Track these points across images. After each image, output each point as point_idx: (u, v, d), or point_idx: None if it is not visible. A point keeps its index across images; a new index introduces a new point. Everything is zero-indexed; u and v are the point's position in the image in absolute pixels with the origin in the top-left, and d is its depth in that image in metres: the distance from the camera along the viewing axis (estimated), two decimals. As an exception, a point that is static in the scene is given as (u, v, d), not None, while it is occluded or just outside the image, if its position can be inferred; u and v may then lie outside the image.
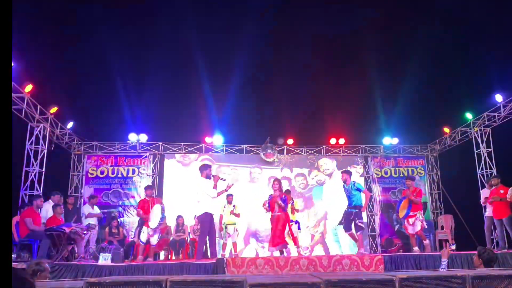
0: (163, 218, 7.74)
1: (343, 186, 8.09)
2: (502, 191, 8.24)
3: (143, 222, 8.07)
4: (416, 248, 8.10)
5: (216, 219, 8.25)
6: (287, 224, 7.99)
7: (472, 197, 9.82)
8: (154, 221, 7.65)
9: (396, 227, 12.55)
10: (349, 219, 7.85)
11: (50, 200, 8.45)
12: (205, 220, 7.31)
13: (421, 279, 3.15)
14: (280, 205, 7.71)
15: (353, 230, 7.83)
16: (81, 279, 5.18)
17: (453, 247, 7.54)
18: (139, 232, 8.14)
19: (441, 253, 5.40)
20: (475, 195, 9.56)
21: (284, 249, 7.72)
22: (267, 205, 8.02)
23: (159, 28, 10.93)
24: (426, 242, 8.14)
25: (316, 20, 10.86)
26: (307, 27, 11.19)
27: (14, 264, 5.49)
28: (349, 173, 8.18)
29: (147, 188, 8.86)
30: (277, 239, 7.66)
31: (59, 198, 8.66)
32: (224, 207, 9.62)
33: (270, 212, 7.94)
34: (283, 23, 11.43)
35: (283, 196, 7.94)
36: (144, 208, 8.13)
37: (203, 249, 7.64)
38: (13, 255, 6.79)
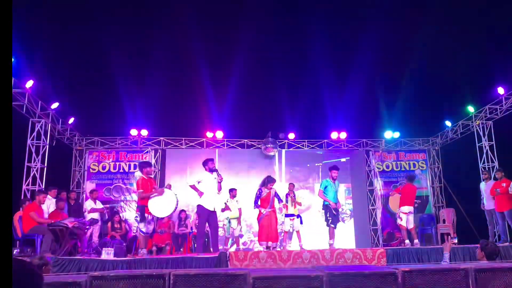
0: (175, 209, 7.19)
1: (333, 181, 8.17)
2: (504, 184, 8.26)
3: (144, 209, 7.01)
4: (405, 241, 8.30)
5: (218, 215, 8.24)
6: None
7: (474, 191, 9.82)
8: (164, 209, 6.98)
9: (398, 221, 12.55)
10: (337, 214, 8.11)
11: (48, 196, 8.49)
12: (201, 213, 7.32)
13: (424, 272, 3.15)
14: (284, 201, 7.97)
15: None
16: (84, 273, 5.21)
17: (455, 240, 7.58)
18: (141, 219, 7.02)
19: (443, 247, 5.41)
20: (477, 188, 9.56)
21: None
22: (258, 202, 8.14)
23: (159, 23, 10.89)
24: (406, 241, 8.40)
25: (316, 14, 10.80)
26: (308, 22, 11.14)
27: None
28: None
29: (145, 165, 7.49)
30: (276, 234, 7.85)
31: (56, 192, 8.69)
32: (227, 202, 9.61)
33: (262, 208, 8.06)
34: (283, 17, 11.38)
35: (276, 192, 8.22)
36: (147, 189, 7.06)
37: (202, 242, 7.66)
38: (16, 250, 6.84)
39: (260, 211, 8.07)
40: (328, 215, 7.99)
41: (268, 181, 8.38)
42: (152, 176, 7.65)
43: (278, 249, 7.63)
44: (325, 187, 8.04)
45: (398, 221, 8.57)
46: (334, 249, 6.74)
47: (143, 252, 7.17)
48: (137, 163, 12.17)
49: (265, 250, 7.59)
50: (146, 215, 7.04)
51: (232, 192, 9.72)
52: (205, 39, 10.71)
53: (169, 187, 8.66)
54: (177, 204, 7.20)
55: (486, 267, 3.20)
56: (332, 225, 7.96)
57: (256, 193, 8.22)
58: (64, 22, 9.96)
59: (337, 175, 8.19)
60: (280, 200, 8.42)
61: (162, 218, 10.37)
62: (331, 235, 7.96)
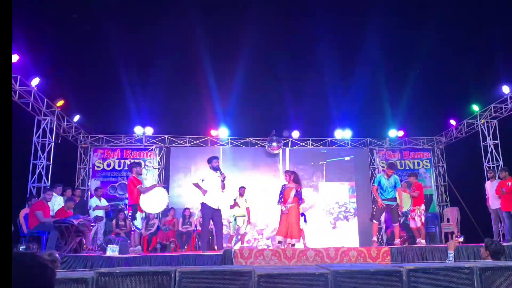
0: (168, 205, 7.48)
1: (384, 178, 7.92)
2: (510, 184, 8.23)
3: (136, 207, 7.18)
4: (421, 240, 8.16)
5: (223, 213, 8.21)
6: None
7: (478, 190, 9.79)
8: (156, 205, 7.22)
9: (402, 220, 12.54)
10: (395, 211, 7.94)
11: (54, 193, 8.53)
12: (204, 211, 7.34)
13: (429, 270, 3.16)
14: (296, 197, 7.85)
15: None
16: (90, 270, 5.24)
17: (461, 239, 7.55)
18: (133, 218, 7.23)
19: (447, 245, 5.41)
20: (481, 187, 9.53)
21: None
22: (281, 197, 7.99)
23: (163, 21, 10.90)
24: (422, 241, 8.21)
25: (321, 12, 10.77)
26: (313, 20, 11.13)
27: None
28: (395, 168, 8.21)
29: (135, 165, 7.74)
30: (297, 231, 7.74)
31: (61, 189, 8.74)
32: (236, 199, 9.60)
33: (283, 204, 7.95)
34: (288, 15, 11.37)
35: (299, 189, 8.01)
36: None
37: (207, 240, 7.67)
38: (22, 247, 6.89)
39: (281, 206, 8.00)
40: (373, 211, 7.96)
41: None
42: (142, 175, 7.78)
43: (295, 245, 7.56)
44: (379, 182, 7.85)
45: (423, 219, 8.41)
46: (339, 247, 6.75)
47: (138, 249, 7.25)
48: (142, 161, 12.24)
49: (276, 245, 7.54)
50: (139, 213, 7.20)
51: (241, 190, 9.73)
52: (210, 36, 10.72)
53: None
54: (169, 200, 7.33)
55: (491, 265, 3.21)
56: (375, 221, 7.92)
57: (280, 189, 8.16)
58: (69, 20, 9.99)
59: (392, 173, 7.91)
60: (301, 200, 8.17)
61: (166, 216, 10.47)
62: (374, 231, 7.96)
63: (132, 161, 11.39)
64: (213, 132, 12.53)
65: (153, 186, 7.62)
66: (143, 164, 12.25)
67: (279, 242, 7.67)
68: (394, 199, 7.81)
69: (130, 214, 7.28)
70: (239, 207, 9.48)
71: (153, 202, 7.24)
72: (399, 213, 8.09)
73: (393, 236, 12.04)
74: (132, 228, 7.28)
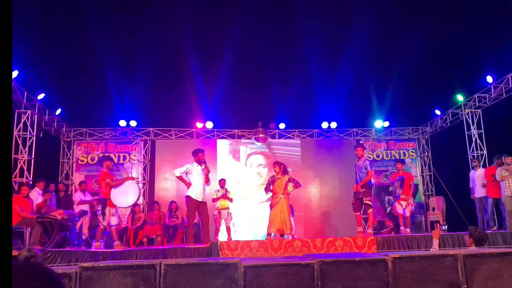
0: (139, 198, 7.33)
1: (357, 161, 7.80)
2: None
3: (106, 201, 7.03)
4: (403, 228, 8.21)
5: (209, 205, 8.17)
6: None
7: (463, 179, 9.91)
8: (126, 199, 7.08)
9: (388, 209, 12.64)
10: (358, 198, 7.76)
11: (36, 188, 8.39)
12: (189, 204, 7.29)
13: (414, 258, 3.18)
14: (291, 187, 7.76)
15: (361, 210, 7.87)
16: (74, 264, 5.16)
17: (444, 227, 7.62)
18: (102, 212, 7.07)
19: (432, 234, 5.46)
20: (466, 176, 9.65)
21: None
22: (270, 187, 7.90)
23: (147, 12, 10.73)
24: (407, 230, 8.23)
25: (306, 4, 10.72)
26: (298, 12, 11.07)
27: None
28: (364, 148, 8.04)
29: (105, 158, 7.62)
30: (290, 223, 7.68)
31: (43, 184, 8.59)
32: (217, 192, 9.62)
33: (271, 194, 7.89)
34: (273, 7, 11.29)
35: (291, 178, 7.91)
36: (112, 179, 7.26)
37: (193, 233, 7.62)
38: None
39: (272, 197, 7.89)
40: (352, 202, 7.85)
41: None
42: (112, 169, 7.71)
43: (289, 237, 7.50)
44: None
45: (412, 208, 8.43)
46: (325, 238, 6.77)
47: (117, 244, 7.13)
48: (127, 155, 12.12)
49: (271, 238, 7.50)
50: (108, 208, 7.04)
51: (221, 182, 9.73)
52: (195, 28, 10.60)
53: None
54: (139, 193, 7.24)
55: (475, 253, 3.24)
56: (356, 212, 7.86)
57: (269, 180, 8.07)
58: (50, 11, 9.77)
59: (359, 152, 7.75)
60: (298, 184, 7.94)
61: (152, 210, 10.39)
62: (358, 222, 7.90)
63: (103, 154, 11.17)
64: (198, 125, 12.40)
65: (124, 180, 7.43)
66: (128, 157, 12.12)
67: (269, 234, 7.61)
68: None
69: (99, 209, 7.13)
70: (223, 199, 9.47)
71: (123, 195, 7.06)
72: (365, 201, 7.75)
73: (381, 225, 12.17)
74: (104, 223, 7.08)
